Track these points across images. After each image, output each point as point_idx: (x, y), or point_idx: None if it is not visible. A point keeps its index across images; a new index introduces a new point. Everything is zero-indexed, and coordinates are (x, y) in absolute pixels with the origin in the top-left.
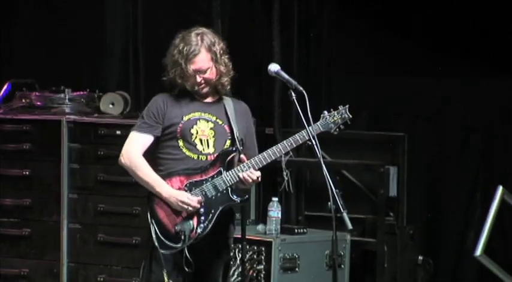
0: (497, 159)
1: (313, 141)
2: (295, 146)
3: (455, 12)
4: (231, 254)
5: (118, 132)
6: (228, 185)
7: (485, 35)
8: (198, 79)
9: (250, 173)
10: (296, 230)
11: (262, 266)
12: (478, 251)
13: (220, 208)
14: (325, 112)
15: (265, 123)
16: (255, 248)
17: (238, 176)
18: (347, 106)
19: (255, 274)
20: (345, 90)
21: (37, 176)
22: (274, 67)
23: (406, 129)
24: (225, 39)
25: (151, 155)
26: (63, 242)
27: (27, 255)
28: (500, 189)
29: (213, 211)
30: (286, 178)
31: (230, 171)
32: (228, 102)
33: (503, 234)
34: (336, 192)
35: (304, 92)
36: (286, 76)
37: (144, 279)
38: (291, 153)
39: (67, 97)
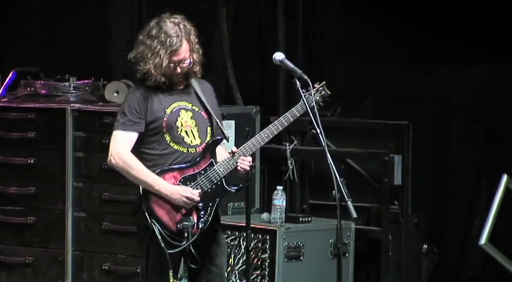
0: (501, 148)
1: (316, 126)
2: (281, 129)
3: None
4: (236, 241)
5: None
6: (222, 176)
7: (491, 24)
8: (178, 70)
9: (242, 160)
10: (301, 219)
11: (266, 255)
12: (483, 240)
13: (218, 200)
14: (303, 90)
15: (269, 111)
16: (260, 236)
17: (231, 166)
18: (324, 82)
19: (259, 263)
20: (349, 79)
21: (42, 165)
22: (279, 56)
23: (410, 118)
24: (230, 27)
25: (135, 151)
26: (68, 231)
27: (32, 243)
28: (505, 177)
29: (211, 204)
30: (290, 167)
31: (222, 162)
32: (195, 85)
33: (508, 223)
34: (340, 180)
35: (308, 80)
36: (291, 65)
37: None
38: (296, 142)
39: (72, 85)
